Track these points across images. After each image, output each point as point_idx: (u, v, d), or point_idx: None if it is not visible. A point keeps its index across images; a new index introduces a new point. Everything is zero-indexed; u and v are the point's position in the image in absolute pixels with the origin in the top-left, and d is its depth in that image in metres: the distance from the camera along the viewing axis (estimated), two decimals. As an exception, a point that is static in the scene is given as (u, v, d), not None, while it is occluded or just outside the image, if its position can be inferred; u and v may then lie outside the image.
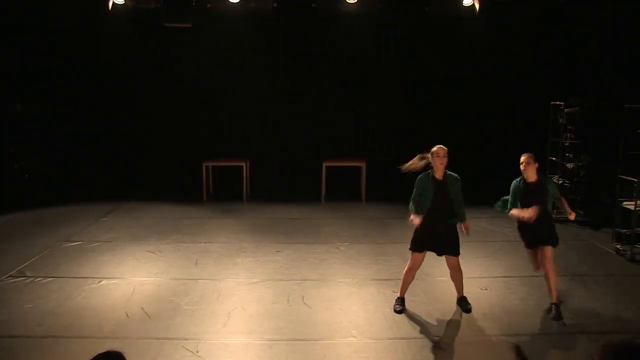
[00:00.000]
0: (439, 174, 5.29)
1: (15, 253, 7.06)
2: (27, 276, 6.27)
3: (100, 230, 8.23)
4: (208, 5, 9.60)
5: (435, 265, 6.81)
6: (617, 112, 7.60)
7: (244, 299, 5.72)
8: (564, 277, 6.34)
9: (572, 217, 5.66)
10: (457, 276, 5.57)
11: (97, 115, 10.80)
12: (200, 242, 7.65)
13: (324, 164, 10.30)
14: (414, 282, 6.24)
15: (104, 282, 6.15)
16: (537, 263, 5.66)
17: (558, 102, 8.83)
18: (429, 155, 5.38)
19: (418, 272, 6.54)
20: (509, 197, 5.57)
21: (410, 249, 5.50)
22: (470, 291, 5.96)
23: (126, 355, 2.38)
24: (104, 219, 8.88)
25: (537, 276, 6.39)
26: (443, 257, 5.45)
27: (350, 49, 10.63)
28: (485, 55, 10.59)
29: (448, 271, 6.57)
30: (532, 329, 5.09)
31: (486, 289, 6.02)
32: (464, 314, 5.39)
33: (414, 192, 5.43)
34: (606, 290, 6.01)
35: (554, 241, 5.41)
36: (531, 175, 5.37)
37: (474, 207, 8.43)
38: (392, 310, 5.46)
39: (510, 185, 5.53)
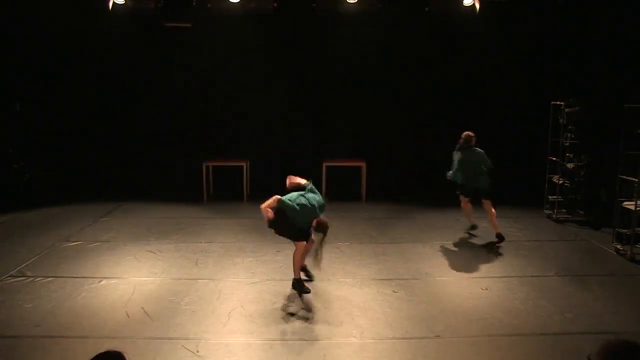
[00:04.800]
0: None
1: (15, 253, 7.06)
2: (27, 276, 6.27)
3: (100, 230, 8.23)
4: (208, 5, 9.59)
5: (435, 265, 6.83)
6: (617, 112, 7.60)
7: (244, 299, 5.72)
8: (564, 277, 6.34)
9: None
10: None
11: (96, 115, 10.79)
12: (200, 242, 7.66)
13: (324, 164, 10.30)
14: (414, 281, 6.26)
15: (104, 282, 6.15)
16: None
17: (558, 102, 8.83)
18: None
19: (418, 271, 6.56)
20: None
21: None
22: (471, 291, 5.97)
23: (126, 355, 2.38)
24: (104, 219, 8.88)
25: (537, 276, 6.41)
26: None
27: (350, 48, 10.62)
28: (485, 55, 10.58)
29: (448, 271, 6.63)
30: (532, 329, 5.08)
31: (486, 289, 6.02)
32: (464, 313, 5.39)
33: None
34: (606, 290, 6.01)
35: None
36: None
37: (474, 208, 8.45)
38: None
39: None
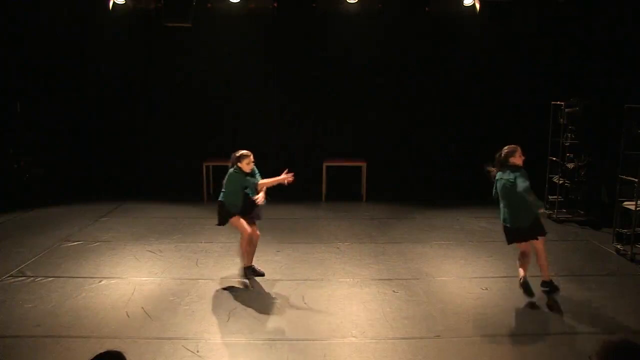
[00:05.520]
0: None
1: (15, 253, 7.06)
2: (27, 276, 6.27)
3: (100, 230, 8.23)
4: (208, 5, 9.58)
5: (435, 265, 6.83)
6: (617, 112, 7.60)
7: (244, 299, 5.72)
8: (564, 277, 6.34)
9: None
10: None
11: (97, 115, 10.80)
12: (201, 242, 7.66)
13: (324, 164, 10.30)
14: (414, 281, 6.26)
15: (104, 282, 6.15)
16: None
17: (558, 102, 8.83)
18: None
19: (418, 271, 6.56)
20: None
21: None
22: (471, 291, 5.97)
23: (126, 355, 2.39)
24: (104, 219, 8.88)
25: (537, 276, 6.40)
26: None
27: (350, 48, 10.62)
28: (485, 55, 10.58)
29: (448, 271, 6.63)
30: (532, 329, 5.09)
31: (487, 289, 6.02)
32: (464, 313, 5.39)
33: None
34: (606, 290, 6.01)
35: None
36: None
37: (474, 207, 8.49)
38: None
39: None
